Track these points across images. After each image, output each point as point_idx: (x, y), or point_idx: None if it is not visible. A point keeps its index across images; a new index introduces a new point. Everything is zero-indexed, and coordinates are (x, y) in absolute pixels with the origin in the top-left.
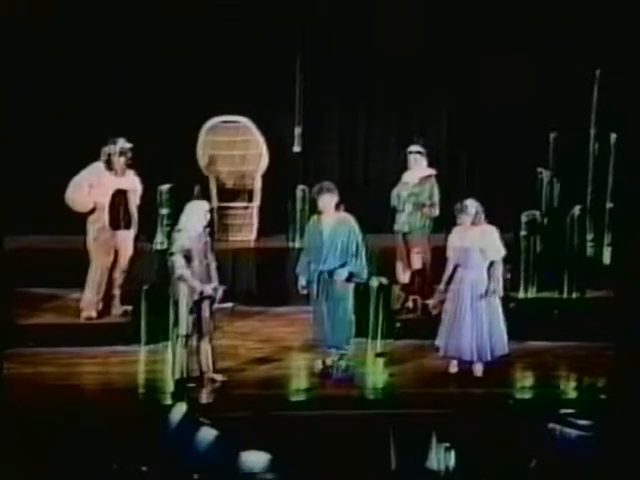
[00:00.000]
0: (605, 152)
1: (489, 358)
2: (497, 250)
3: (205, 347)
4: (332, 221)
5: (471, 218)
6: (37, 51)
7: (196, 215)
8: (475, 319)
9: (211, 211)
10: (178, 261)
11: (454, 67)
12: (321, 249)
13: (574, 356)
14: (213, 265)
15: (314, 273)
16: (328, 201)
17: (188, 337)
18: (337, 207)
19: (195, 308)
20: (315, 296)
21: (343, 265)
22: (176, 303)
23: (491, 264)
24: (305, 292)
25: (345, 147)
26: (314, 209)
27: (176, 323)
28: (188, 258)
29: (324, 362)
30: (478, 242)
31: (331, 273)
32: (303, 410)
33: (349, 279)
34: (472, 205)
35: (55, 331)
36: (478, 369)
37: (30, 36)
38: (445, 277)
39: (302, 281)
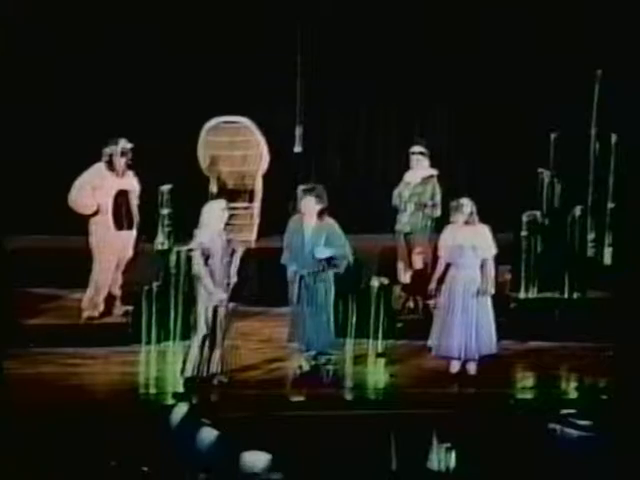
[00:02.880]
0: (606, 152)
1: (476, 357)
2: (489, 248)
3: (218, 348)
4: (314, 225)
5: (465, 217)
6: (38, 51)
7: (214, 214)
8: (465, 317)
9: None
10: (196, 258)
11: (455, 66)
12: (302, 251)
13: (574, 356)
14: (234, 265)
15: (295, 275)
16: (311, 205)
17: (205, 337)
18: (321, 214)
19: (212, 308)
20: (295, 299)
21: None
22: (195, 301)
23: (483, 263)
24: (298, 277)
25: (346, 147)
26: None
27: (192, 321)
28: (207, 256)
29: (301, 366)
30: (470, 240)
31: (314, 274)
32: (303, 410)
33: (328, 262)
34: (467, 204)
35: (56, 331)
36: (472, 367)
37: (31, 36)
38: (436, 276)
39: (293, 267)
